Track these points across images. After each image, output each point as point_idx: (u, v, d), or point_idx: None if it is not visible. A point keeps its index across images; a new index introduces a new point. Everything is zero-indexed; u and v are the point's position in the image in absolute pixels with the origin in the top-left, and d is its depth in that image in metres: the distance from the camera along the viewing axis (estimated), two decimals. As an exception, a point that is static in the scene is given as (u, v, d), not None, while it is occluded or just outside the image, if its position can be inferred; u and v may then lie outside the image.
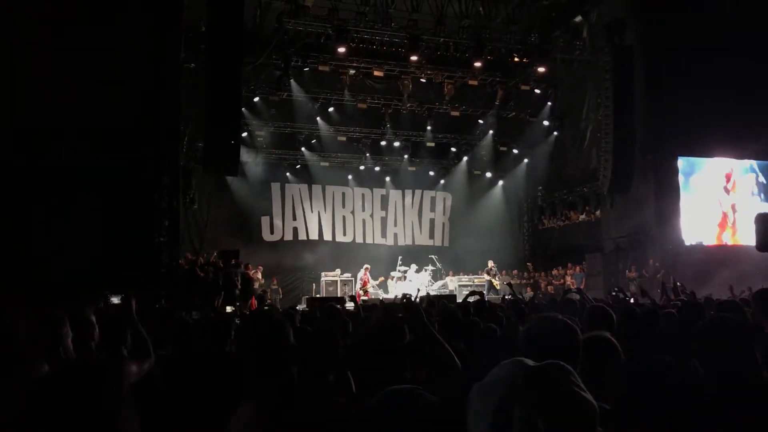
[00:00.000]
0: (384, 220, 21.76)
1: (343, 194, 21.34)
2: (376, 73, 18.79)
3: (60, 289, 9.90)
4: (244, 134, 18.04)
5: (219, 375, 2.94)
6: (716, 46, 15.51)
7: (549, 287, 18.73)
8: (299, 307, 11.77)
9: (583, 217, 20.35)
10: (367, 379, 2.61)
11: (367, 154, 20.89)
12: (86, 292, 10.06)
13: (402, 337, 3.24)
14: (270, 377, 2.00)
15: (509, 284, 15.54)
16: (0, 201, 11.41)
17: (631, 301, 8.54)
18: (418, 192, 22.21)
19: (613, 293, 9.04)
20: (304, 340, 2.76)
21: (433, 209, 22.40)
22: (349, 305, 10.06)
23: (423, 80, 19.47)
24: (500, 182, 22.56)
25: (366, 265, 18.66)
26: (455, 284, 18.85)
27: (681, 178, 17.43)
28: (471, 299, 5.77)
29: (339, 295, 17.20)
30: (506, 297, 8.48)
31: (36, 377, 1.63)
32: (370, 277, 18.61)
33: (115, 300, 5.50)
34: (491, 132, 21.50)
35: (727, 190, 17.99)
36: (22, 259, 11.10)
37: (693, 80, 15.72)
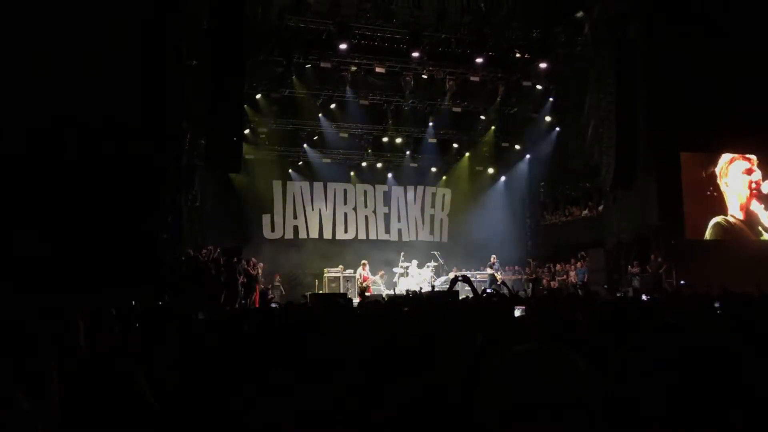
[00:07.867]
0: (387, 216, 21.73)
1: (345, 191, 21.31)
2: (377, 69, 18.76)
3: (64, 284, 9.93)
4: (247, 131, 18.03)
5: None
6: (721, 39, 15.45)
7: (552, 283, 18.71)
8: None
9: (585, 212, 20.33)
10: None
11: (369, 151, 20.88)
12: (89, 287, 10.11)
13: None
14: None
15: (503, 283, 15.43)
16: (11, 196, 11.45)
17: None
18: (420, 188, 22.19)
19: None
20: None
21: (433, 205, 22.39)
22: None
23: (424, 76, 19.43)
24: (502, 178, 22.52)
25: (363, 261, 18.60)
26: (458, 280, 18.76)
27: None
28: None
29: (341, 291, 17.20)
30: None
31: (45, 372, 1.62)
32: (369, 273, 18.58)
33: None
34: (493, 128, 21.45)
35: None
36: (28, 255, 11.13)
37: (696, 74, 15.65)
